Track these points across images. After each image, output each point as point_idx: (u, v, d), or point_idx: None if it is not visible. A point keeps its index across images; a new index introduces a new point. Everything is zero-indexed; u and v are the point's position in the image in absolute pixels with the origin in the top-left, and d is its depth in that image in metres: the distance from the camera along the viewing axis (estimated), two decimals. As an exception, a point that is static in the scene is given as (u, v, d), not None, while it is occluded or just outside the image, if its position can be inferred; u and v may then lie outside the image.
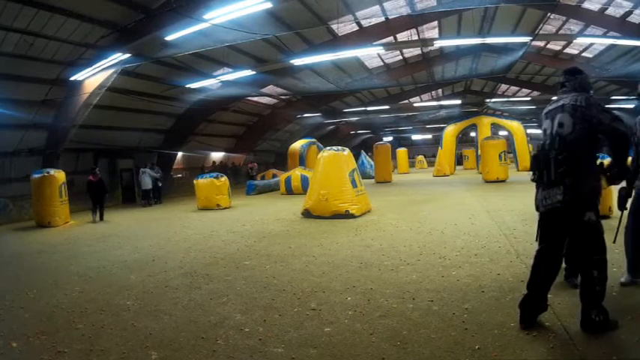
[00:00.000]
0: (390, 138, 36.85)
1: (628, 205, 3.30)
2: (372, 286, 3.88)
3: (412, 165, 31.16)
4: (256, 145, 24.90)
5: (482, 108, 25.36)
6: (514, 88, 24.96)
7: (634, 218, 3.36)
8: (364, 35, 12.64)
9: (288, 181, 15.16)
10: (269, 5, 7.70)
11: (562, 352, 2.41)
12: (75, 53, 10.33)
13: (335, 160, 8.69)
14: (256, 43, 11.56)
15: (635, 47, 12.25)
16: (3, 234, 9.38)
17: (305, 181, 13.44)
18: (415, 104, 25.71)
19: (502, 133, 22.15)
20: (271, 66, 13.91)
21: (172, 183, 17.98)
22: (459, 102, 24.08)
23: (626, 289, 3.29)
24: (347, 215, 8.16)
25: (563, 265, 3.12)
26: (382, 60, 17.30)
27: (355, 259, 4.95)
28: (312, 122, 26.26)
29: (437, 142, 25.57)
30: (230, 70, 13.25)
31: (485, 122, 21.42)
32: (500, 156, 14.78)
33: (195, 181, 12.13)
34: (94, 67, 10.12)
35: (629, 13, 10.88)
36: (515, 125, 21.17)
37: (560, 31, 13.38)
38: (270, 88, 17.89)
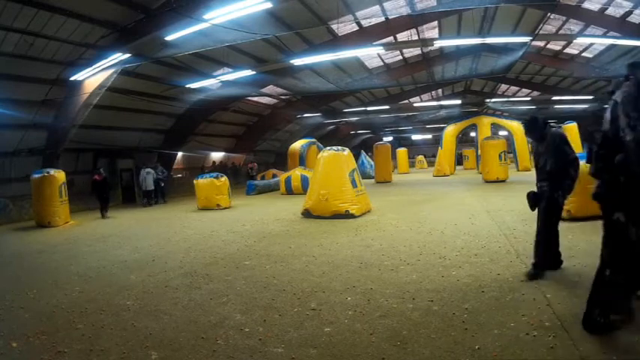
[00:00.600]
0: (390, 138, 36.85)
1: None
2: (372, 286, 3.87)
3: (412, 165, 31.16)
4: (256, 145, 24.90)
5: (482, 108, 25.37)
6: (514, 88, 24.97)
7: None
8: (364, 35, 12.64)
9: (288, 181, 15.16)
10: (269, 5, 7.70)
11: (562, 352, 2.41)
12: (75, 53, 10.33)
13: (335, 160, 8.69)
14: (256, 43, 11.56)
15: (635, 47, 12.24)
16: (3, 234, 9.38)
17: (305, 181, 13.44)
18: (415, 104, 25.72)
19: (502, 133, 22.16)
20: (271, 66, 13.91)
21: (172, 183, 17.97)
22: (459, 102, 24.09)
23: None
24: (347, 215, 8.16)
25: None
26: (382, 60, 17.30)
27: (355, 259, 4.95)
28: (312, 122, 26.26)
29: (437, 142, 25.57)
30: (230, 70, 13.26)
31: (485, 122, 21.41)
32: (500, 156, 14.77)
33: (195, 181, 12.13)
34: (94, 67, 10.12)
35: (629, 13, 10.88)
36: (515, 125, 21.15)
37: (560, 31, 13.38)
38: (270, 88, 17.89)
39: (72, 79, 10.81)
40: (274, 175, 18.74)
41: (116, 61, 9.81)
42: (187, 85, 13.55)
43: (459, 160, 26.86)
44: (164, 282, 4.46)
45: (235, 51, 12.49)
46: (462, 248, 5.12)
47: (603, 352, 2.36)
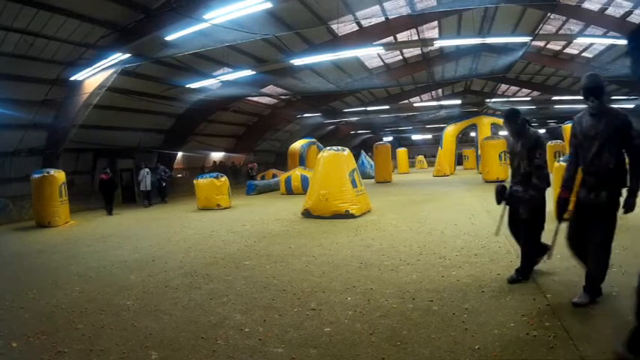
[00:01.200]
0: (390, 138, 36.84)
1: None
2: (372, 286, 3.87)
3: (412, 165, 31.15)
4: (256, 145, 24.90)
5: (483, 108, 25.35)
6: (514, 88, 24.95)
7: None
8: (364, 35, 12.63)
9: (288, 181, 15.16)
10: (269, 5, 7.70)
11: (562, 352, 2.41)
12: (75, 53, 10.33)
13: (335, 160, 8.69)
14: (256, 43, 11.56)
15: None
16: (3, 234, 9.38)
17: (305, 181, 13.44)
18: (415, 104, 25.71)
19: (502, 133, 22.12)
20: (271, 66, 13.91)
21: (173, 182, 17.98)
22: (459, 102, 24.08)
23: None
24: (347, 215, 8.16)
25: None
26: (382, 60, 17.29)
27: (355, 259, 4.95)
28: (312, 122, 26.26)
29: (437, 142, 25.56)
30: (230, 70, 13.26)
31: (485, 122, 21.41)
32: (500, 156, 14.78)
33: (195, 181, 12.13)
34: (94, 67, 10.12)
35: (629, 13, 10.87)
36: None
37: (560, 31, 13.38)
38: (270, 88, 17.89)
39: (72, 79, 10.80)
40: (274, 175, 18.75)
41: (116, 61, 9.81)
42: (187, 85, 13.55)
43: (459, 160, 26.86)
44: (164, 282, 4.46)
45: (235, 51, 12.49)
46: (462, 248, 5.12)
47: (603, 352, 2.36)
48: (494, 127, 21.67)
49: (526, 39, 12.06)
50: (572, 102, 22.65)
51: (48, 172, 10.20)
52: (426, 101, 26.09)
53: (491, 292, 3.47)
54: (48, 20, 8.72)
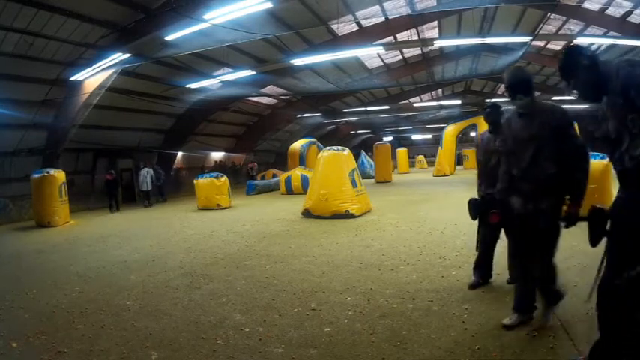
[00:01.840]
0: (390, 138, 36.83)
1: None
2: (372, 286, 3.87)
3: (412, 165, 31.15)
4: (256, 145, 24.89)
5: (483, 108, 25.34)
6: (514, 88, 24.91)
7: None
8: (364, 35, 12.63)
9: (288, 181, 15.17)
10: (269, 5, 7.69)
11: (562, 352, 2.41)
12: (75, 53, 10.33)
13: (335, 160, 8.69)
14: (256, 43, 11.55)
15: (635, 47, 12.24)
16: (3, 234, 9.38)
17: (305, 181, 13.44)
18: (415, 104, 25.71)
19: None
20: (271, 66, 13.91)
21: (173, 182, 17.99)
22: (459, 102, 24.06)
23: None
24: (347, 215, 8.16)
25: None
26: (382, 60, 17.29)
27: (355, 259, 4.95)
28: (312, 122, 26.25)
29: (437, 142, 25.55)
30: (230, 70, 13.25)
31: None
32: (500, 156, 14.74)
33: (195, 181, 12.13)
34: (94, 67, 10.11)
35: (629, 13, 10.87)
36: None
37: (560, 31, 13.38)
38: (270, 88, 17.88)
39: (72, 79, 10.80)
40: (274, 175, 18.75)
41: (116, 61, 9.81)
42: (187, 85, 13.54)
43: (459, 160, 26.85)
44: (164, 282, 4.46)
45: (235, 51, 12.48)
46: (462, 248, 5.12)
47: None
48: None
49: (526, 39, 12.06)
50: (572, 102, 22.66)
51: (48, 172, 10.21)
52: (426, 101, 26.08)
53: (491, 292, 3.48)
54: (48, 20, 8.72)
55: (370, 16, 12.08)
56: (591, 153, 6.90)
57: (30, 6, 8.12)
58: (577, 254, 4.35)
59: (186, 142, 18.82)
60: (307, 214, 8.62)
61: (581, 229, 5.11)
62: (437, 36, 14.65)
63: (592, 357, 2.08)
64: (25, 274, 5.29)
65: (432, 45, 13.55)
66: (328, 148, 9.29)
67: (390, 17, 12.15)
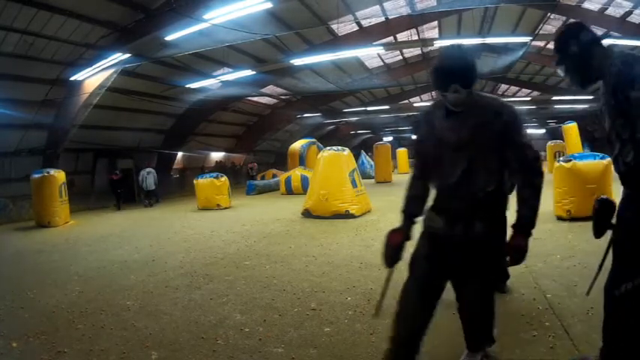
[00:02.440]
0: (390, 138, 36.83)
1: None
2: (372, 286, 3.87)
3: (412, 165, 31.10)
4: (256, 145, 24.90)
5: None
6: (514, 88, 24.95)
7: None
8: (364, 35, 12.65)
9: (288, 181, 15.16)
10: (269, 5, 7.71)
11: (562, 352, 2.41)
12: (75, 53, 10.34)
13: (335, 160, 8.69)
14: (256, 43, 11.57)
15: (635, 47, 12.24)
16: (3, 234, 9.37)
17: (305, 181, 13.43)
18: (415, 104, 25.70)
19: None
20: (271, 66, 13.92)
21: (178, 181, 18.02)
22: (458, 102, 24.05)
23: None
24: (347, 215, 8.15)
25: None
26: (382, 60, 17.31)
27: (355, 259, 4.95)
28: (312, 122, 26.26)
29: (437, 142, 25.49)
30: (230, 70, 13.26)
31: (485, 122, 21.37)
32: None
33: (195, 181, 12.13)
34: (94, 67, 10.12)
35: (629, 13, 10.89)
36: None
37: (561, 31, 13.37)
38: (270, 88, 17.90)
39: (72, 79, 10.81)
40: (274, 175, 18.73)
41: (116, 61, 9.82)
42: (187, 85, 13.56)
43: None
44: (164, 282, 4.46)
45: (235, 51, 12.49)
46: (462, 248, 5.10)
47: (603, 352, 2.36)
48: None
49: (526, 39, 12.07)
50: (572, 102, 22.68)
51: (48, 172, 10.19)
52: (426, 101, 26.04)
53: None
54: (48, 20, 8.73)
55: (370, 16, 12.10)
56: (591, 153, 6.86)
57: (30, 6, 8.13)
58: (577, 254, 4.35)
59: (186, 142, 18.84)
60: (307, 214, 8.62)
61: (581, 229, 5.12)
62: (437, 36, 14.67)
63: None
64: (25, 274, 5.28)
65: (432, 45, 13.56)
66: (328, 148, 9.28)
67: (390, 17, 12.17)
